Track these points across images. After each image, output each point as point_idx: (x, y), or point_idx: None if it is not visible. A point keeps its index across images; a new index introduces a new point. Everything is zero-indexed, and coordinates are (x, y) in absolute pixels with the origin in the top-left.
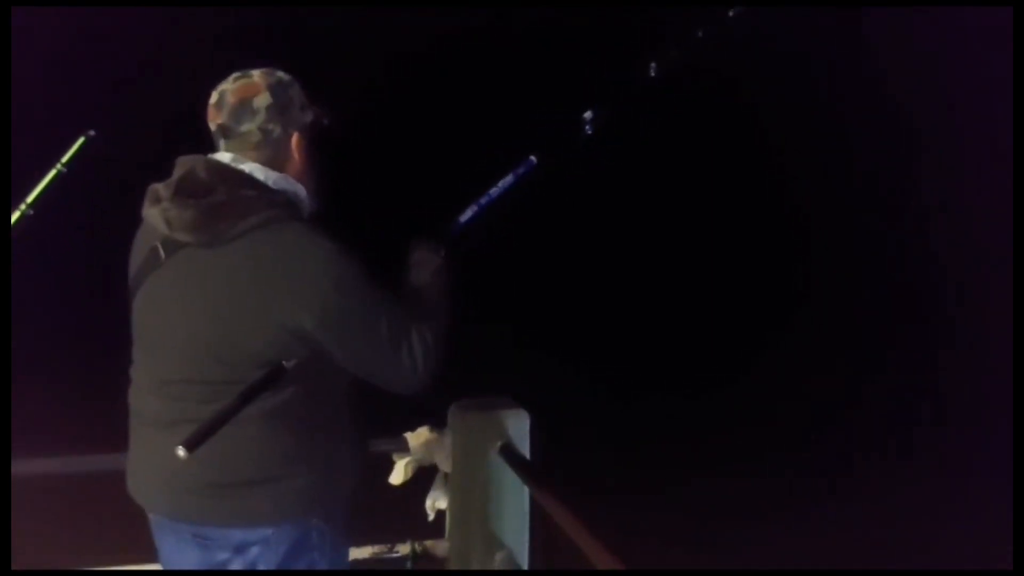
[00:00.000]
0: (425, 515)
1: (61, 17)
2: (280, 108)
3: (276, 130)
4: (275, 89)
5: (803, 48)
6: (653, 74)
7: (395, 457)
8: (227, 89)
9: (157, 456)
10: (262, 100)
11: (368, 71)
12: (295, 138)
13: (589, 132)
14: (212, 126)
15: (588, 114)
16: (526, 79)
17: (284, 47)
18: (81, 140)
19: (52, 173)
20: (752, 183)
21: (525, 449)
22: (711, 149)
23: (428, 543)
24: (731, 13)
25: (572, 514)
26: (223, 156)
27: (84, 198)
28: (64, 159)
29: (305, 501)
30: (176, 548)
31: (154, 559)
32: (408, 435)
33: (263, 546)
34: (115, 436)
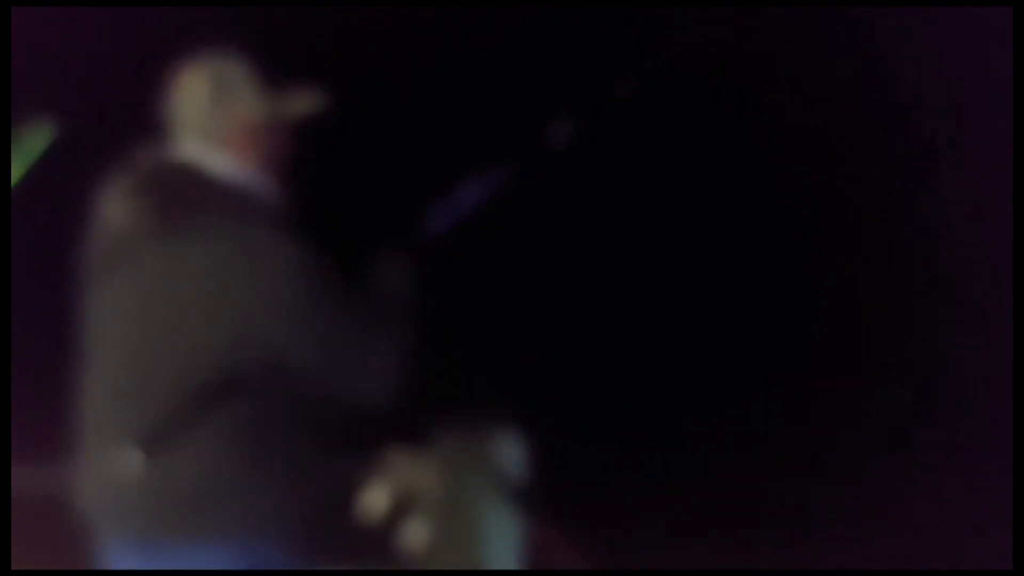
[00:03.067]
0: (405, 544)
1: (62, 17)
2: (226, 92)
3: (229, 119)
4: (221, 76)
5: (803, 50)
6: (618, 91)
7: (372, 480)
8: (183, 80)
9: (105, 469)
10: (205, 87)
11: (343, 67)
12: (257, 127)
13: (557, 145)
14: (170, 117)
15: (555, 126)
16: (501, 82)
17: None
18: (44, 133)
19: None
20: (751, 187)
21: (516, 473)
22: (709, 153)
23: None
24: (718, 33)
25: (562, 536)
26: (183, 150)
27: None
28: (28, 152)
29: (260, 520)
30: (121, 565)
31: None
32: (387, 456)
33: (214, 564)
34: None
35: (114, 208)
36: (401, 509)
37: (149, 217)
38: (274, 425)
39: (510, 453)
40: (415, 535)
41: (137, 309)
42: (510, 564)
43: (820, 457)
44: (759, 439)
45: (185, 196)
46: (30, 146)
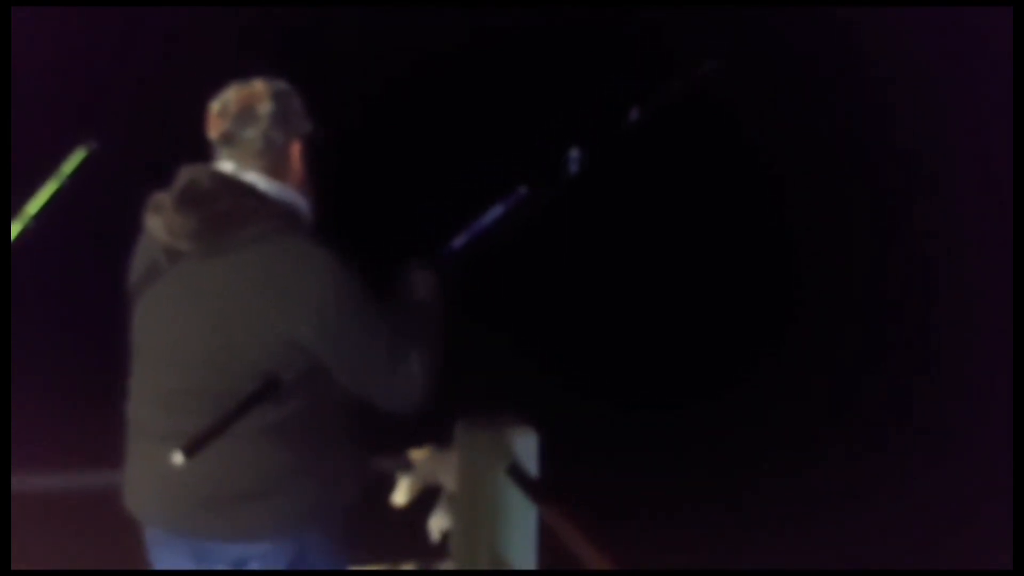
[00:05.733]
0: (429, 535)
1: (62, 18)
2: (282, 116)
3: (278, 138)
4: (277, 97)
5: (800, 55)
6: (633, 119)
7: (399, 475)
8: (230, 97)
9: (156, 469)
10: (265, 107)
11: (368, 84)
12: (296, 147)
13: (575, 170)
14: (214, 134)
15: (574, 153)
16: (526, 101)
17: (276, 56)
18: (82, 152)
19: (53, 186)
20: (748, 192)
21: (533, 468)
22: (707, 159)
23: (433, 563)
24: (709, 66)
25: (581, 534)
26: (225, 165)
27: (85, 208)
28: (66, 171)
29: (303, 517)
30: (172, 563)
31: None
32: (413, 453)
33: (261, 561)
34: (109, 451)
35: (158, 221)
36: (428, 500)
37: (196, 230)
38: (315, 425)
39: (526, 448)
40: (439, 524)
41: (185, 317)
42: (527, 550)
43: (820, 456)
44: (759, 438)
45: (230, 209)
46: (67, 163)
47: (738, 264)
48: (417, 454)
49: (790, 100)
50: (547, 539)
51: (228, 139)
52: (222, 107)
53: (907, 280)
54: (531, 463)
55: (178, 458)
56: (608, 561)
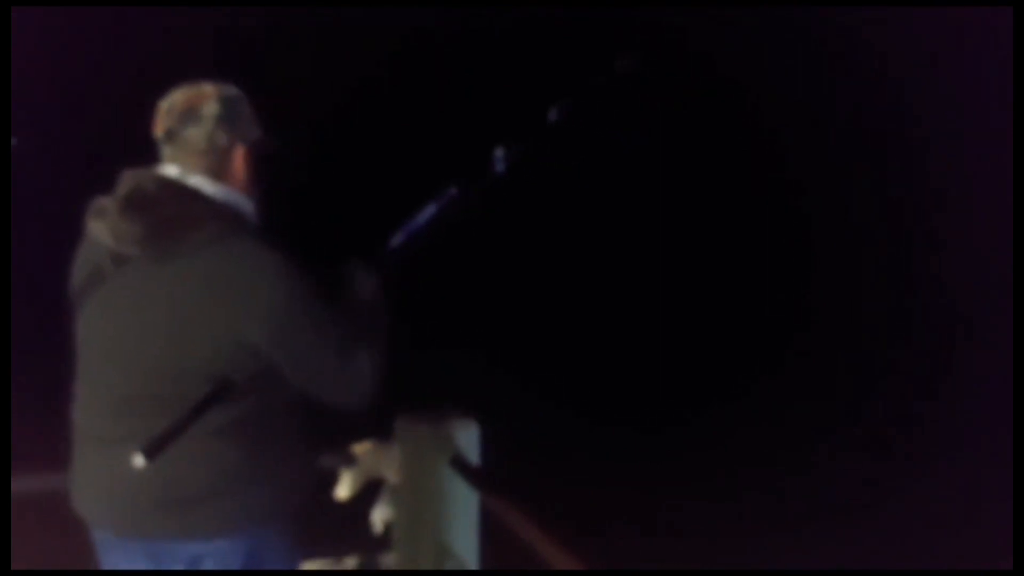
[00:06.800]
0: (372, 527)
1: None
2: (228, 119)
3: (222, 139)
4: (225, 100)
5: (804, 53)
6: (553, 118)
7: (342, 470)
8: (177, 97)
9: (108, 472)
10: (211, 108)
11: (303, 88)
12: (240, 151)
13: (501, 169)
14: (158, 131)
15: (499, 152)
16: (453, 101)
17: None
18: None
19: None
20: (751, 194)
21: (475, 459)
22: (708, 159)
23: (376, 554)
24: (624, 63)
25: (524, 514)
26: (169, 169)
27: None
28: None
29: (257, 515)
30: (126, 564)
31: None
32: (355, 448)
33: (218, 558)
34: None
35: (102, 226)
36: (370, 493)
37: (143, 235)
38: (267, 425)
39: (468, 439)
40: (382, 516)
41: (132, 320)
42: (470, 539)
43: (820, 457)
44: (758, 437)
45: (177, 214)
46: None
47: (744, 268)
48: (359, 448)
49: (789, 101)
50: (492, 527)
51: (171, 136)
52: (169, 105)
53: (911, 285)
54: (473, 454)
55: (139, 460)
56: (554, 543)
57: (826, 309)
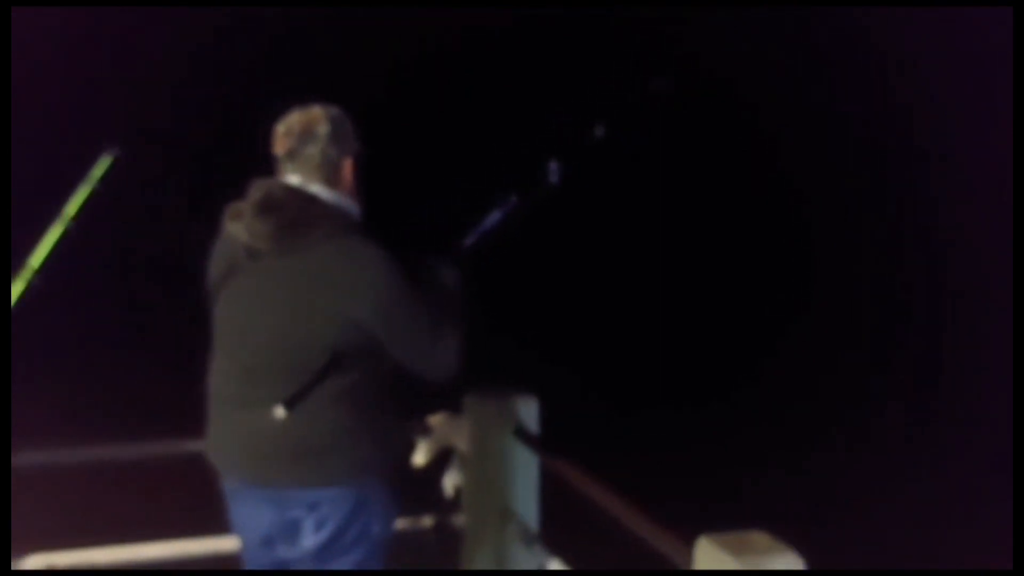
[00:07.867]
0: (444, 491)
1: (71, 20)
2: (336, 136)
3: (334, 154)
4: (332, 120)
5: (804, 53)
6: (599, 134)
7: (418, 439)
8: (293, 120)
9: (244, 430)
10: (323, 128)
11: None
12: (348, 162)
13: (555, 180)
14: (280, 151)
15: (552, 164)
16: (508, 114)
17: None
18: (108, 159)
19: (85, 192)
20: (754, 192)
21: (534, 430)
22: (714, 159)
23: (447, 516)
24: (658, 84)
25: (581, 472)
26: (292, 179)
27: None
28: (96, 177)
29: (367, 466)
30: (254, 510)
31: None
32: (430, 419)
33: (331, 504)
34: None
35: (239, 226)
36: (442, 461)
37: (273, 233)
38: (372, 393)
39: (528, 413)
40: (452, 481)
41: (264, 303)
42: (531, 501)
43: (819, 457)
44: (764, 439)
45: (300, 216)
46: (95, 172)
47: (746, 264)
48: (434, 420)
49: (789, 101)
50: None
51: (292, 154)
52: (287, 128)
53: (911, 283)
54: (533, 426)
55: (280, 412)
56: (608, 492)
57: (826, 309)
